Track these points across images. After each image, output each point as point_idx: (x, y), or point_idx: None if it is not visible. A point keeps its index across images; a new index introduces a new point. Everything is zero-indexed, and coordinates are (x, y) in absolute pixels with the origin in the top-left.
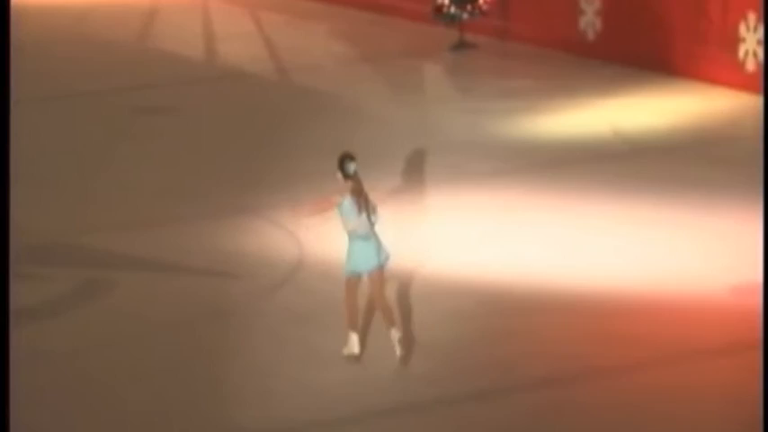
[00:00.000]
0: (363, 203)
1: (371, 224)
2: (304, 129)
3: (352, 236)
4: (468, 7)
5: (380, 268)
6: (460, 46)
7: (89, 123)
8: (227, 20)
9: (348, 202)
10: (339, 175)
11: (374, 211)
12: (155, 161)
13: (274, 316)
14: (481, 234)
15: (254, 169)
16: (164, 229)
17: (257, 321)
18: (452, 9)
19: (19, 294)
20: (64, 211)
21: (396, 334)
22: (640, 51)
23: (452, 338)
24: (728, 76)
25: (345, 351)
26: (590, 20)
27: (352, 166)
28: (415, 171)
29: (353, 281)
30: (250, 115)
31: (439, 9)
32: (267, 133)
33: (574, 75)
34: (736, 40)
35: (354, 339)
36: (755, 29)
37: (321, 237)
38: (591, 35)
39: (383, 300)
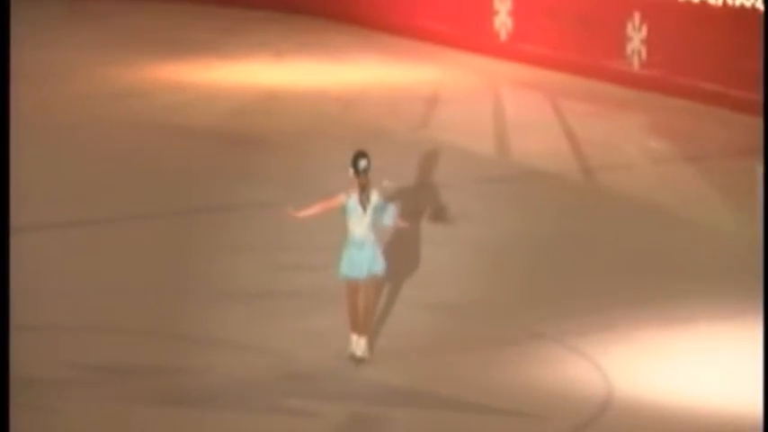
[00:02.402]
0: (366, 203)
1: (371, 232)
2: (615, 240)
3: (349, 240)
4: None
5: (371, 278)
6: None
7: None
8: (522, 108)
9: (354, 200)
10: (350, 172)
11: (386, 208)
12: (431, 274)
13: None
14: None
15: (556, 288)
16: (443, 356)
17: None
18: None
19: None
20: (329, 332)
21: (361, 340)
22: None
23: None
24: None
25: (348, 352)
26: None
27: (362, 163)
28: (744, 292)
29: (351, 285)
30: (550, 222)
31: None
32: (570, 244)
33: None
34: None
35: (355, 340)
36: None
37: (631, 370)
38: None
39: (367, 307)
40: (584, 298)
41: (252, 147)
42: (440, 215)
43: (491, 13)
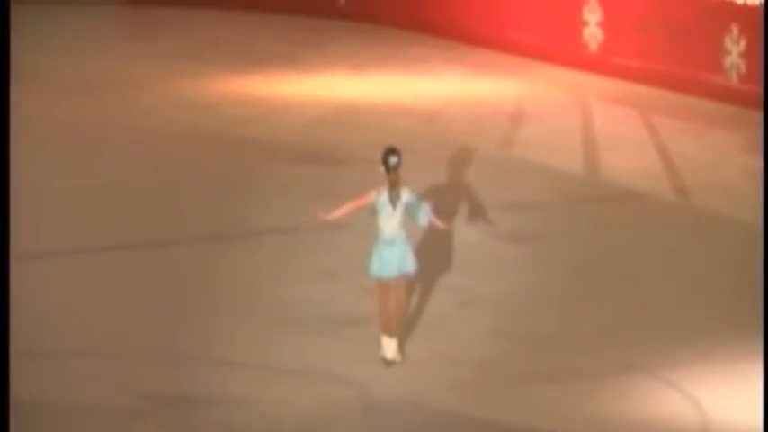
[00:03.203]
0: (396, 200)
1: (401, 230)
2: (710, 265)
3: (379, 238)
4: None
5: (402, 278)
6: None
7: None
8: (612, 125)
9: (384, 198)
10: (381, 169)
11: (419, 207)
12: (512, 300)
13: None
14: None
15: (647, 315)
16: (530, 388)
17: None
18: None
19: None
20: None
21: (391, 342)
22: None
23: None
24: None
25: (380, 355)
26: None
27: (393, 159)
28: None
29: (382, 285)
30: (640, 245)
31: None
32: (662, 268)
33: None
34: None
35: (385, 342)
36: None
37: (729, 404)
38: None
39: (398, 308)
40: (677, 326)
41: (327, 164)
42: (521, 237)
43: (580, 23)
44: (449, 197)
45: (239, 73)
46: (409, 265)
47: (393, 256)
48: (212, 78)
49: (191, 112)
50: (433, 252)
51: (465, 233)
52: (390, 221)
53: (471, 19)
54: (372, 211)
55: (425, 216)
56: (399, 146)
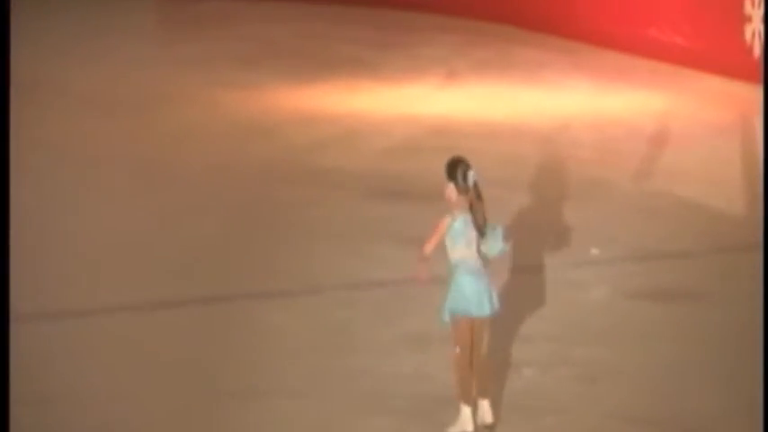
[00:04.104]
0: (482, 225)
1: (487, 259)
2: None
3: (460, 267)
4: None
5: (490, 317)
6: None
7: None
8: None
9: (461, 222)
10: (450, 186)
11: (499, 235)
12: (647, 373)
13: None
14: None
15: None
16: None
17: None
18: None
19: None
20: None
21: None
22: None
23: None
24: None
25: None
26: None
27: (470, 175)
28: None
29: (463, 326)
30: None
31: None
32: None
33: None
34: None
35: (467, 414)
36: None
37: None
38: None
39: (480, 357)
40: None
41: (414, 200)
42: (664, 295)
43: (740, 19)
44: (571, 242)
45: (302, 84)
46: (495, 302)
47: (483, 288)
48: (268, 91)
49: (243, 136)
50: (550, 313)
51: (591, 289)
52: (471, 252)
53: (601, 14)
54: (447, 237)
55: (499, 243)
56: (506, 176)
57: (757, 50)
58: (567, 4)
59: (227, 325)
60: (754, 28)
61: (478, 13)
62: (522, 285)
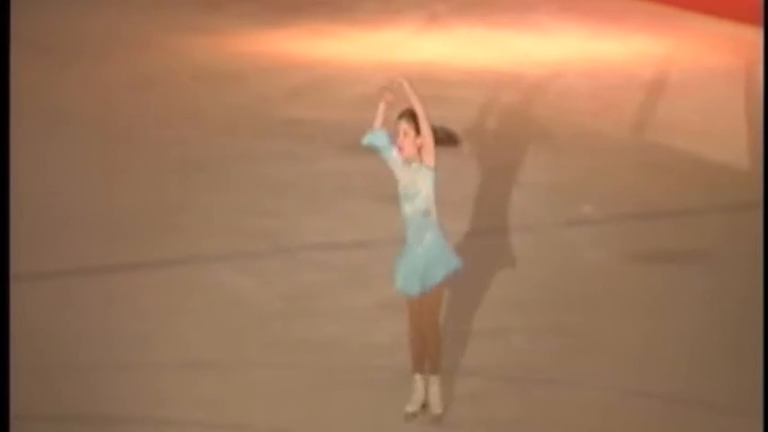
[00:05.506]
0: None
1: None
2: None
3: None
4: None
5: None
6: None
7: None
8: None
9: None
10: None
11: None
12: (649, 349)
13: None
14: None
15: None
16: None
17: None
18: None
19: None
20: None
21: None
22: None
23: None
24: None
25: (408, 408)
26: None
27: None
28: None
29: (410, 301)
30: None
31: None
32: None
33: None
34: None
35: (419, 389)
36: None
37: None
38: None
39: (431, 332)
40: None
41: None
42: (663, 257)
43: None
44: (563, 199)
45: (271, 28)
46: (428, 282)
47: (411, 267)
48: (234, 36)
49: (207, 85)
50: (540, 276)
51: (585, 250)
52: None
53: None
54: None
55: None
56: (493, 126)
57: None
58: None
59: (187, 290)
60: None
61: None
62: (508, 246)
